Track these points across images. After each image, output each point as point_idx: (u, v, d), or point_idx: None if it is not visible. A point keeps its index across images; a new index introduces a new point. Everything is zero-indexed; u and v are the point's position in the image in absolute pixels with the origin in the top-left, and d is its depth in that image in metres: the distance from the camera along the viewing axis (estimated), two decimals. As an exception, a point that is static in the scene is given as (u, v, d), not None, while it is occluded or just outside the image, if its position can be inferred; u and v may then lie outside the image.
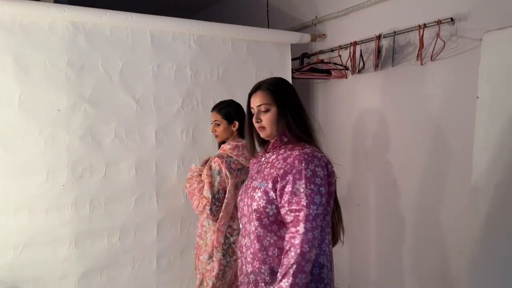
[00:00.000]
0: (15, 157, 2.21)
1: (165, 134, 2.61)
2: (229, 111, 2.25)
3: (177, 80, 2.65)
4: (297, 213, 1.42)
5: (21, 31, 2.19)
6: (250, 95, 1.68)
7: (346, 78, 3.10)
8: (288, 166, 1.49)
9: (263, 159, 1.66)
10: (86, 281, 2.41)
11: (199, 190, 2.18)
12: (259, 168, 1.65)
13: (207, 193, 2.13)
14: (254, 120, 1.63)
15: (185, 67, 2.68)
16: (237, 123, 2.23)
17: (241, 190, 1.70)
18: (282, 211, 1.47)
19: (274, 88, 1.61)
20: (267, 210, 1.50)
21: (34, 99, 2.23)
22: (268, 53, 3.02)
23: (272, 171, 1.54)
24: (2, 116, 2.17)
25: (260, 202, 1.51)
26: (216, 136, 2.29)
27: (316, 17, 3.32)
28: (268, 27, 3.82)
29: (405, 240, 2.79)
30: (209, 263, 2.18)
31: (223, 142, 2.28)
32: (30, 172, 2.25)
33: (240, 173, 2.17)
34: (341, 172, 3.17)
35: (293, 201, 1.43)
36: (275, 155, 1.60)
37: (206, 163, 2.31)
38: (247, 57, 2.92)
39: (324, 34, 3.25)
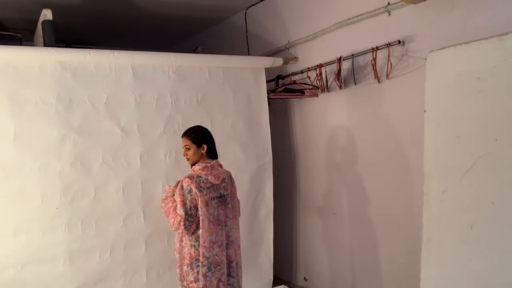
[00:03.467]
0: (12, 185, 2.47)
1: (149, 157, 2.87)
2: (197, 136, 2.48)
3: (159, 107, 2.91)
4: None
5: (14, 72, 2.47)
6: None
7: (317, 96, 3.34)
8: None
9: None
10: (81, 295, 2.64)
11: (174, 208, 2.41)
12: None
13: (180, 210, 2.36)
14: None
15: (165, 95, 2.94)
16: (205, 146, 2.47)
17: None
18: None
19: None
20: None
21: (28, 132, 2.50)
22: (243, 77, 3.28)
23: None
24: (0, 148, 2.44)
25: None
26: (188, 159, 2.52)
27: (289, 41, 3.59)
28: (248, 52, 4.11)
29: (377, 244, 2.99)
30: (191, 273, 2.41)
31: (194, 164, 2.51)
32: (27, 198, 2.51)
33: (209, 191, 2.41)
34: (317, 183, 3.42)
35: None
36: None
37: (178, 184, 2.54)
38: (224, 82, 3.18)
39: (296, 57, 3.52)
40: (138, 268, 2.84)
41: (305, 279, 3.69)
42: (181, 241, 2.47)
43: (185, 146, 2.48)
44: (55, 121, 2.57)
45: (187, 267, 2.42)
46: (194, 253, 2.40)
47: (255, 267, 3.35)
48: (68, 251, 2.60)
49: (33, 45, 3.47)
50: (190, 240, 2.40)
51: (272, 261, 3.44)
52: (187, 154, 2.48)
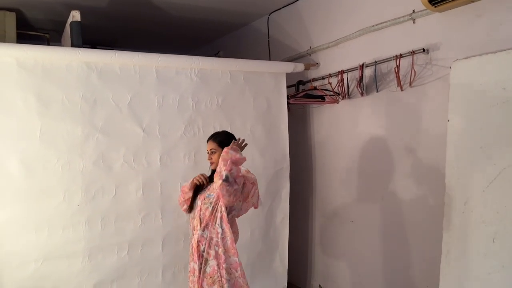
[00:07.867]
0: (36, 181, 2.53)
1: (169, 158, 2.90)
2: (222, 139, 2.49)
3: (180, 109, 2.94)
4: None
5: (42, 71, 2.54)
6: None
7: (338, 103, 3.33)
8: None
9: None
10: (98, 292, 2.68)
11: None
12: None
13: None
14: None
15: (187, 97, 2.97)
16: None
17: None
18: None
19: None
20: None
21: (53, 130, 2.56)
22: (264, 82, 3.29)
23: None
24: (25, 145, 2.50)
25: None
26: (212, 163, 2.51)
27: (310, 47, 3.59)
28: (270, 57, 4.12)
29: (395, 254, 2.95)
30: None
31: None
32: (49, 194, 2.56)
33: None
34: (334, 190, 3.40)
35: None
36: None
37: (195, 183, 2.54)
38: (244, 86, 3.20)
39: (317, 63, 3.52)
40: (154, 267, 2.87)
41: (320, 287, 3.66)
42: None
43: (210, 149, 2.49)
44: (80, 120, 2.63)
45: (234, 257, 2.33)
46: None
47: (269, 272, 3.34)
48: (88, 248, 2.65)
49: (60, 46, 3.55)
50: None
51: (287, 267, 3.43)
52: (211, 158, 2.48)
